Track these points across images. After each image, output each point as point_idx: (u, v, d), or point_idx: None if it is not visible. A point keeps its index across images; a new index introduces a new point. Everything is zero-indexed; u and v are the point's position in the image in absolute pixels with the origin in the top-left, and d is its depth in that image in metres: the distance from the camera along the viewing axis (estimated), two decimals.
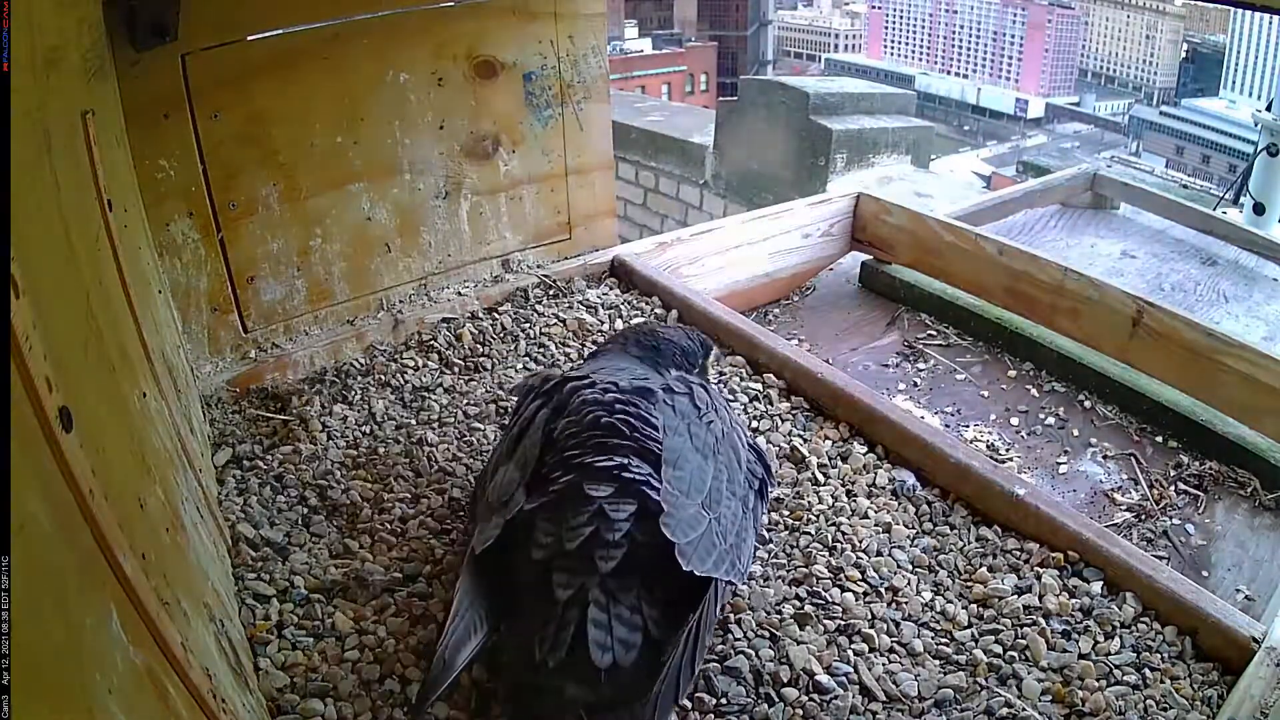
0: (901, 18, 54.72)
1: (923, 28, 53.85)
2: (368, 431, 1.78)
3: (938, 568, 1.49)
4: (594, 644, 1.08)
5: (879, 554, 1.50)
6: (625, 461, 1.21)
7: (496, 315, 2.17)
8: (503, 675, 1.20)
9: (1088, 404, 2.19)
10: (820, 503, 1.62)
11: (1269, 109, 3.60)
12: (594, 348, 1.81)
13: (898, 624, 1.37)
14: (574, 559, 1.14)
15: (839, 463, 1.72)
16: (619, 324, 2.17)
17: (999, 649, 1.33)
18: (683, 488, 1.22)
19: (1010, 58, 49.95)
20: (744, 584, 1.39)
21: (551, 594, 1.13)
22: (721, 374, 1.95)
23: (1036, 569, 1.47)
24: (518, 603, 1.18)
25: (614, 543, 1.14)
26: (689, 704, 1.22)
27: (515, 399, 1.52)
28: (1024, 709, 1.23)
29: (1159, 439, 2.07)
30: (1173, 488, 1.91)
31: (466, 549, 1.27)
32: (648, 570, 1.16)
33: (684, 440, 1.30)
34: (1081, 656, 1.32)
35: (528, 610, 1.16)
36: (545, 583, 1.14)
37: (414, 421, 1.81)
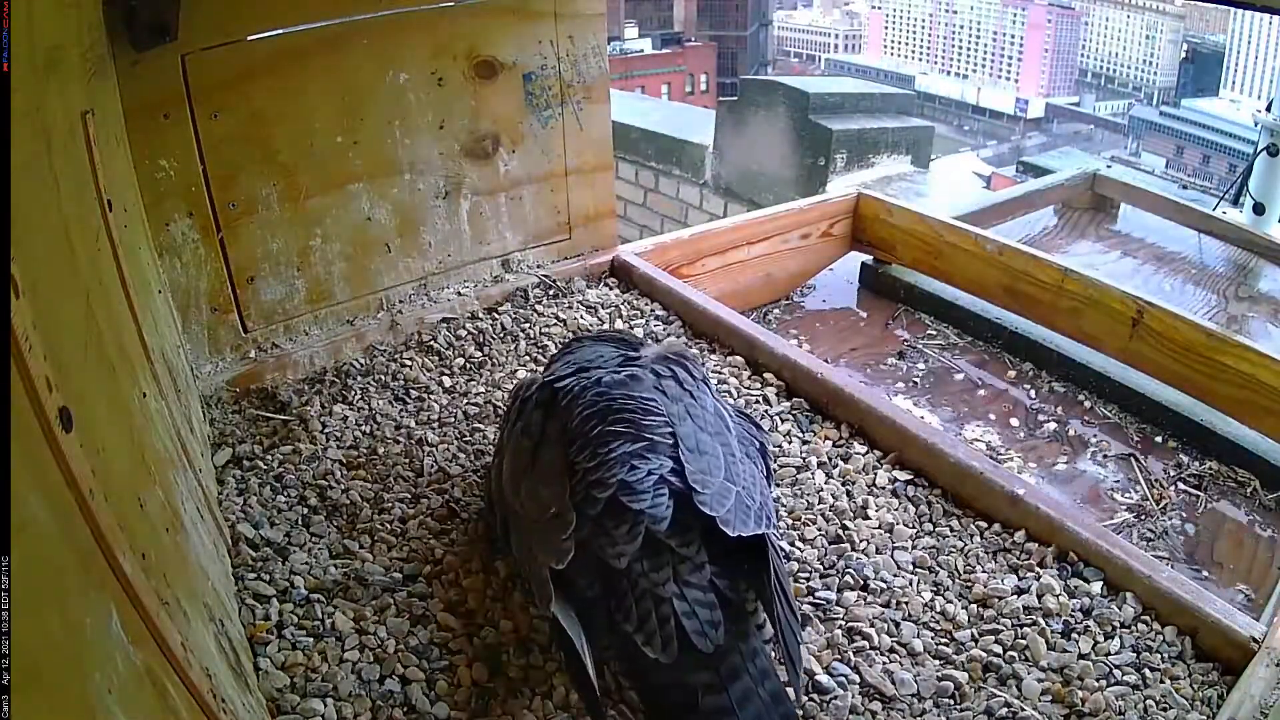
0: (901, 18, 54.74)
1: (923, 28, 53.86)
2: (367, 431, 1.78)
3: (937, 568, 1.49)
4: (693, 634, 1.13)
5: (879, 554, 1.50)
6: (651, 466, 1.24)
7: (496, 315, 2.17)
8: (632, 681, 1.23)
9: (1088, 404, 2.19)
10: (820, 503, 1.62)
11: (1269, 109, 3.60)
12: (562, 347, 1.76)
13: (898, 624, 1.37)
14: (643, 556, 1.19)
15: (839, 463, 1.72)
16: (619, 324, 2.17)
17: (999, 649, 1.33)
18: (704, 467, 1.27)
19: (1010, 58, 49.96)
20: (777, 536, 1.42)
21: (634, 591, 1.17)
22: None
23: (1036, 569, 1.47)
24: (587, 609, 1.19)
25: (681, 530, 1.20)
26: None
27: (509, 402, 1.53)
28: (1024, 709, 1.23)
29: (1159, 439, 2.07)
30: (1173, 488, 1.91)
31: (531, 572, 1.28)
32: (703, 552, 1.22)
33: (690, 423, 1.33)
34: (1081, 656, 1.32)
35: (605, 614, 1.19)
36: (618, 585, 1.18)
37: (414, 422, 1.81)
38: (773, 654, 1.23)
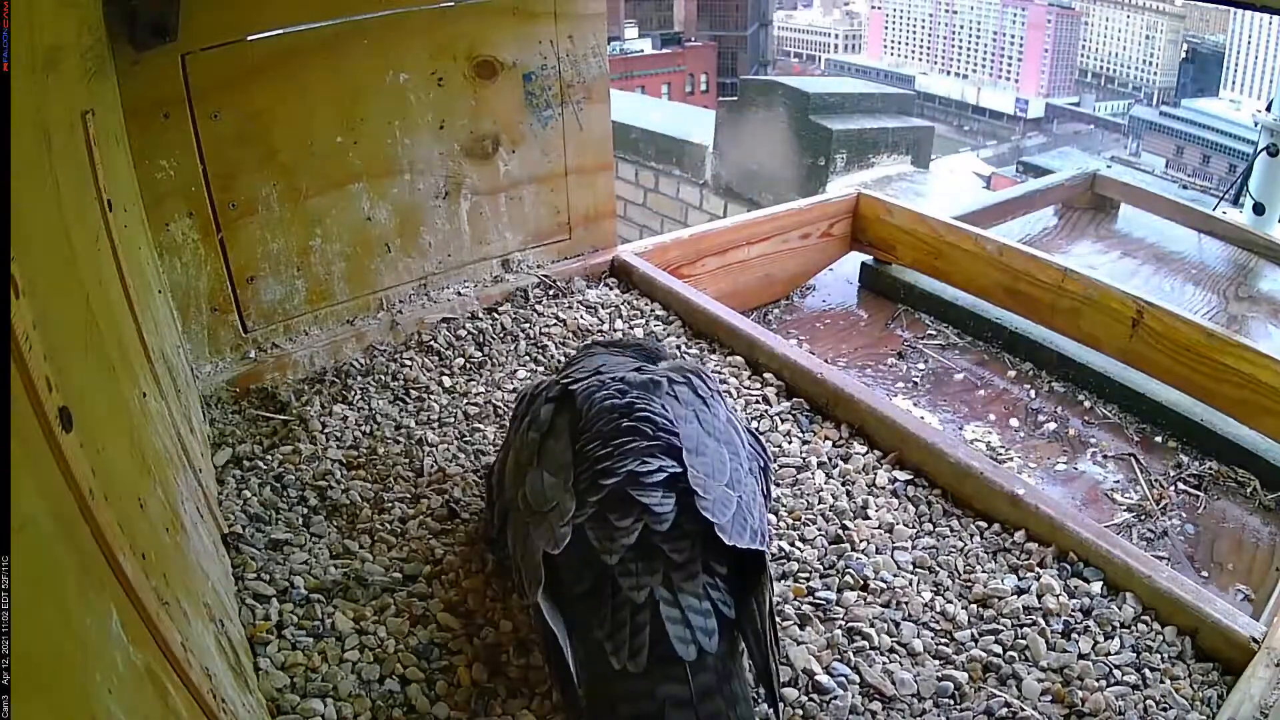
0: (901, 18, 54.78)
1: (923, 28, 53.91)
2: (367, 431, 1.78)
3: (937, 568, 1.49)
4: (676, 640, 1.08)
5: (879, 554, 1.50)
6: (662, 463, 1.22)
7: (496, 315, 2.17)
8: (581, 685, 1.12)
9: (1088, 404, 2.19)
10: (820, 503, 1.62)
11: (1269, 109, 3.60)
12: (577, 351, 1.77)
13: (898, 624, 1.37)
14: (637, 557, 1.14)
15: (839, 463, 1.72)
16: (619, 324, 2.17)
17: (999, 649, 1.33)
18: (707, 471, 1.24)
19: (1010, 58, 50.00)
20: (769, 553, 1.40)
21: (615, 597, 1.12)
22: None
23: (1036, 569, 1.47)
24: (571, 608, 1.15)
25: (677, 535, 1.15)
26: None
27: (516, 403, 1.52)
28: (1024, 709, 1.23)
29: (1159, 439, 2.07)
30: (1173, 488, 1.91)
31: (519, 561, 1.23)
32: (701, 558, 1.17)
33: (696, 426, 1.32)
34: (1081, 656, 1.32)
35: (586, 616, 1.13)
36: (604, 587, 1.13)
37: (414, 422, 1.81)
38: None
